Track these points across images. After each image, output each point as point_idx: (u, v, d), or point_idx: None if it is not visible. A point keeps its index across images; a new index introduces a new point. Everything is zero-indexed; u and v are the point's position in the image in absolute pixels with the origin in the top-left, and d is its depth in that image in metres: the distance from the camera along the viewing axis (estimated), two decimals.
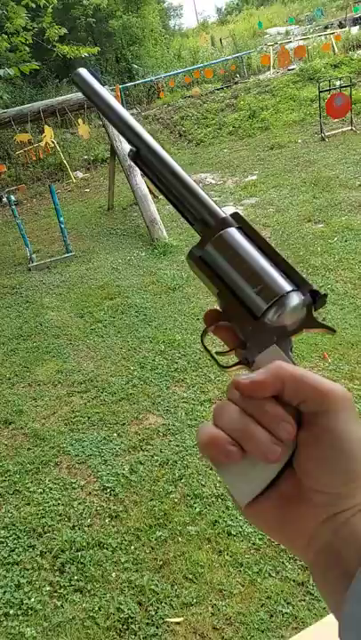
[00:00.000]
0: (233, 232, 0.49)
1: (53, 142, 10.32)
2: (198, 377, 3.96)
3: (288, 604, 2.29)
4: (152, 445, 3.40)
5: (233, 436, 0.41)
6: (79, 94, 10.00)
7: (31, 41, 10.81)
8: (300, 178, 7.78)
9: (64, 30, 11.08)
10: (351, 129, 9.18)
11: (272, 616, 2.24)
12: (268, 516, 0.44)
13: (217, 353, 0.51)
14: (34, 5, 8.93)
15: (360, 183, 6.98)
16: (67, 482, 3.25)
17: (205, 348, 0.51)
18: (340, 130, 9.36)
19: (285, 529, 0.44)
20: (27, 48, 10.82)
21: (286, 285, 0.46)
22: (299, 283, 0.47)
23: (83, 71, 0.53)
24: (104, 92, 0.52)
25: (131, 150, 0.51)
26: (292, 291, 0.46)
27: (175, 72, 15.95)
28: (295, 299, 0.46)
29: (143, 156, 0.51)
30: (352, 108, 9.19)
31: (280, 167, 8.49)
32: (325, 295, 0.47)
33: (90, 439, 3.57)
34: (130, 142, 0.51)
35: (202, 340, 0.51)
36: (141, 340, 4.62)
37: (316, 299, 0.46)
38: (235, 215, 0.50)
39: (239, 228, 0.49)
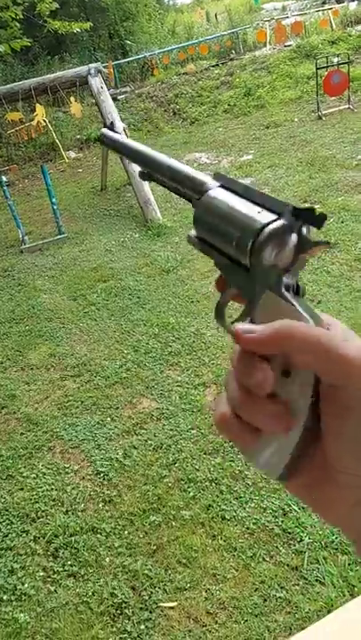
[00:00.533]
0: (211, 193, 0.47)
1: (45, 121, 10.12)
2: (192, 360, 3.94)
3: (282, 588, 2.29)
4: (146, 430, 3.38)
5: (236, 409, 0.38)
6: (71, 71, 9.80)
7: (21, 16, 10.55)
8: (296, 157, 7.68)
9: (55, 5, 10.81)
10: (349, 107, 9.04)
11: (266, 600, 2.25)
12: (304, 494, 0.41)
13: (233, 322, 0.45)
14: None
15: (357, 163, 6.89)
16: (60, 466, 3.24)
17: (222, 323, 0.46)
18: (337, 108, 9.22)
19: (321, 509, 0.41)
20: (17, 24, 10.56)
21: (262, 219, 0.41)
22: (278, 210, 0.41)
23: (106, 131, 0.63)
24: (128, 141, 0.61)
25: (141, 172, 0.57)
26: (271, 222, 0.41)
27: (169, 48, 15.63)
28: (277, 228, 0.40)
29: (151, 173, 0.56)
30: (350, 86, 9.04)
31: (276, 146, 8.37)
32: (312, 209, 0.40)
33: (83, 423, 3.55)
34: (147, 167, 0.57)
35: (216, 315, 0.46)
36: (135, 323, 4.58)
37: (306, 218, 0.40)
38: (216, 176, 0.49)
39: (221, 187, 0.47)
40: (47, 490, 3.09)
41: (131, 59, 15.57)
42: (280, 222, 0.40)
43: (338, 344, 0.34)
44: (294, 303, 0.39)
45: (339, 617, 1.05)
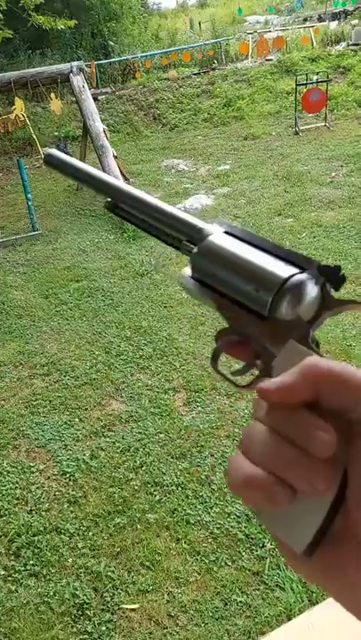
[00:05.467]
0: (216, 237, 0.46)
1: (23, 116, 10.02)
2: (164, 365, 3.97)
3: (243, 592, 2.34)
4: (114, 432, 3.39)
5: (269, 467, 0.32)
6: (53, 67, 9.74)
7: (5, 7, 10.43)
8: (272, 171, 7.82)
9: None
10: (325, 125, 9.27)
11: (227, 604, 2.29)
12: (322, 575, 0.34)
13: (234, 373, 0.45)
14: None
15: (330, 180, 7.06)
16: (25, 465, 3.22)
17: (218, 371, 0.45)
18: (314, 125, 9.44)
19: (343, 593, 0.33)
20: (0, 15, 10.43)
21: (286, 271, 0.41)
22: (303, 264, 0.41)
23: (54, 151, 0.57)
24: (80, 163, 0.56)
25: (107, 202, 0.53)
26: (296, 274, 0.40)
27: (152, 53, 15.69)
28: (302, 282, 0.40)
29: (119, 203, 0.52)
30: (327, 104, 9.27)
31: (253, 158, 8.51)
32: (339, 268, 0.39)
33: (50, 423, 3.53)
34: (109, 196, 0.52)
35: (212, 364, 0.45)
36: (107, 324, 4.58)
37: (329, 276, 0.40)
38: (219, 222, 0.48)
39: (225, 233, 0.46)
40: (11, 488, 3.06)
41: (113, 60, 15.54)
42: (305, 275, 0.40)
43: None
44: (322, 354, 0.38)
45: (299, 622, 1.09)
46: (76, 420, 3.54)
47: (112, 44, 17.91)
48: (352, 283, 4.59)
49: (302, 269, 0.41)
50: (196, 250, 0.46)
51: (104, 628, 2.26)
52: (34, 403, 3.74)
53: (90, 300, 5.04)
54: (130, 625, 2.27)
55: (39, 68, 9.96)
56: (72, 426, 3.49)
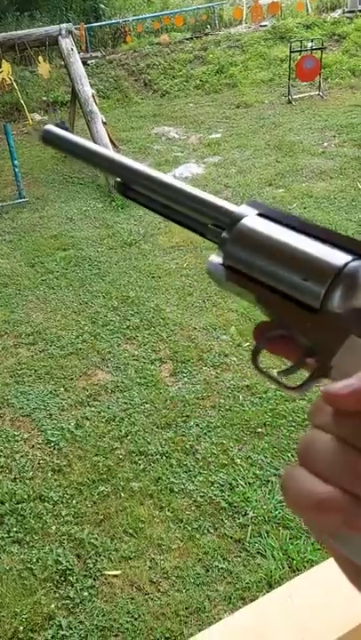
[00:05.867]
0: (252, 220, 0.41)
1: (11, 79, 9.73)
2: (151, 335, 3.93)
3: (224, 559, 2.36)
4: (99, 402, 3.37)
5: (341, 483, 0.28)
6: (41, 29, 9.43)
7: None
8: (264, 140, 7.69)
9: None
10: (319, 94, 9.09)
11: (208, 570, 2.31)
12: None
13: (281, 373, 0.39)
14: None
15: (322, 150, 6.96)
16: (9, 434, 3.20)
17: (261, 370, 0.40)
18: (307, 94, 9.25)
19: None
20: None
21: (340, 258, 0.36)
22: (356, 249, 0.37)
23: (52, 128, 0.51)
24: (81, 140, 0.51)
25: (117, 182, 0.48)
26: (351, 261, 0.36)
27: (144, 16, 15.23)
28: (358, 270, 0.36)
29: (131, 183, 0.47)
30: (321, 73, 9.08)
31: (245, 127, 8.35)
32: None
33: (36, 392, 3.51)
34: (118, 176, 0.48)
35: (254, 363, 0.40)
36: (94, 294, 4.52)
37: None
38: (251, 203, 0.43)
39: (260, 215, 0.42)
40: None
41: (103, 23, 15.09)
42: (360, 262, 0.36)
43: None
44: None
45: (281, 592, 1.08)
46: (62, 389, 3.51)
47: (103, 6, 17.35)
48: None
49: (357, 255, 0.36)
50: (226, 235, 0.41)
51: (86, 594, 2.27)
52: (19, 372, 3.71)
53: (77, 269, 4.97)
54: (112, 590, 2.28)
55: (27, 30, 9.64)
56: (57, 395, 3.46)
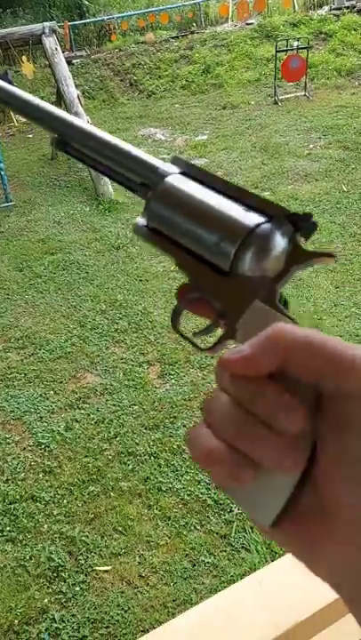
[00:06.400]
0: (173, 179, 0.42)
1: None
2: (139, 338, 4.08)
3: (210, 554, 2.51)
4: (89, 404, 3.51)
5: (232, 441, 0.31)
6: (24, 28, 9.50)
7: None
8: (250, 142, 7.85)
9: None
10: (305, 94, 9.27)
11: (195, 565, 2.46)
12: (291, 537, 0.33)
13: (196, 334, 0.41)
14: None
15: (308, 152, 7.14)
16: (1, 437, 3.33)
17: (178, 331, 0.41)
18: (293, 94, 9.43)
19: (312, 559, 0.33)
20: None
21: (252, 219, 0.37)
22: (271, 212, 0.37)
23: None
24: (24, 94, 0.50)
25: (54, 138, 0.47)
26: (262, 224, 0.37)
27: (129, 13, 15.34)
28: (269, 232, 0.36)
29: (68, 139, 0.47)
30: (307, 73, 9.25)
31: (231, 129, 8.51)
32: (309, 216, 0.36)
33: (26, 396, 3.64)
34: (54, 131, 0.48)
35: (173, 324, 0.41)
36: (82, 298, 4.66)
37: (298, 225, 0.36)
38: (175, 160, 0.43)
39: (183, 174, 0.42)
40: None
41: (88, 20, 15.18)
42: (273, 225, 0.37)
43: (337, 343, 0.30)
44: (292, 317, 0.35)
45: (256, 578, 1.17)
46: (51, 392, 3.65)
47: (87, 2, 17.43)
48: None
49: (269, 218, 0.37)
50: (150, 194, 0.42)
51: (78, 589, 2.42)
52: (9, 376, 3.84)
53: (65, 273, 5.10)
54: (102, 585, 2.43)
55: (10, 29, 9.68)
56: (47, 398, 3.60)
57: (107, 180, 6.64)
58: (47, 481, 3.00)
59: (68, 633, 2.26)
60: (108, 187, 6.57)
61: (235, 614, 0.91)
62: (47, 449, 3.21)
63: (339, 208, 5.59)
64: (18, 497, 2.91)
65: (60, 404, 3.54)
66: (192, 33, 13.40)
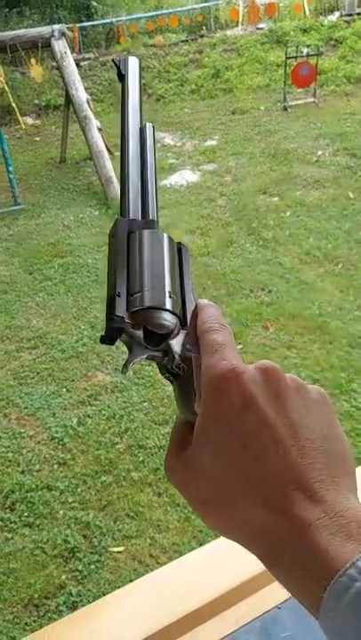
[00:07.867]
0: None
1: (2, 82, 10.19)
2: None
3: (217, 535, 2.79)
4: (100, 401, 3.81)
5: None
6: (33, 30, 9.86)
7: None
8: (259, 148, 8.20)
9: None
10: (314, 101, 9.63)
11: (202, 545, 2.75)
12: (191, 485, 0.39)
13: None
14: None
15: (316, 159, 7.47)
16: (16, 432, 3.63)
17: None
18: (303, 101, 9.79)
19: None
20: None
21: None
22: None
23: None
24: None
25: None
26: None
27: (138, 16, 15.77)
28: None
29: None
30: (317, 80, 9.61)
31: (240, 134, 8.86)
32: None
33: (39, 393, 3.95)
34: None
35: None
36: (93, 300, 4.98)
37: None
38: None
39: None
40: (3, 452, 3.48)
41: (96, 22, 15.59)
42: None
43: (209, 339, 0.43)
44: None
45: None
46: (64, 390, 3.95)
47: (95, 3, 17.89)
48: (330, 262, 5.04)
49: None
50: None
51: (93, 567, 2.71)
52: (22, 374, 4.15)
53: (75, 275, 5.42)
54: (116, 564, 2.72)
55: (18, 31, 10.00)
56: (60, 395, 3.90)
57: (116, 184, 6.98)
58: (62, 472, 3.30)
59: (84, 605, 2.55)
60: (118, 191, 6.89)
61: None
62: (61, 442, 3.50)
63: (345, 215, 5.91)
64: (34, 486, 3.20)
65: (72, 400, 3.84)
66: (202, 37, 13.81)
